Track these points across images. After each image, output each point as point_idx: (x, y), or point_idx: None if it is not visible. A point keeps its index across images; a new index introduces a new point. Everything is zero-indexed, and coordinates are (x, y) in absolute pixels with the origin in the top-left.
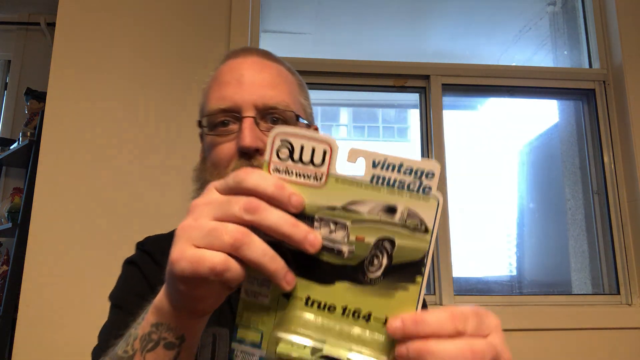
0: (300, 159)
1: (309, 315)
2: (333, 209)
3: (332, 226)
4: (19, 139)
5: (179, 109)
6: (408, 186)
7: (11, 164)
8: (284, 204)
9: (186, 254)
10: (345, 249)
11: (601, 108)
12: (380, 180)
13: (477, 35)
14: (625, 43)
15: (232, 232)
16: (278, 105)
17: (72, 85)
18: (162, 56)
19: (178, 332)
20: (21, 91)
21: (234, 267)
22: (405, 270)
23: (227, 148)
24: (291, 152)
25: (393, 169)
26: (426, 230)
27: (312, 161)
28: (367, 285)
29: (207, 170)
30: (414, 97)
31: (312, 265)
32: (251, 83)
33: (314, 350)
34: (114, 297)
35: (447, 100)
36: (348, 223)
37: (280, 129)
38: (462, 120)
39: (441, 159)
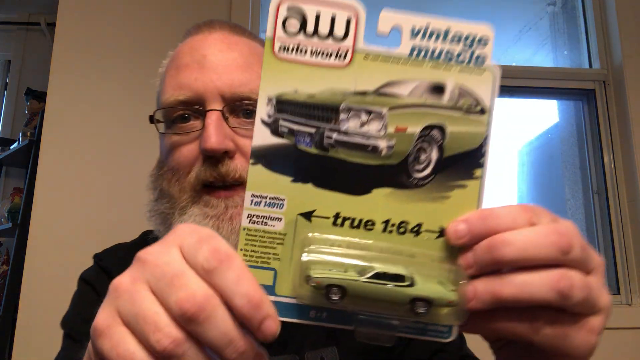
0: (316, 32)
1: (340, 238)
2: (363, 94)
3: (364, 117)
4: (19, 139)
5: None
6: (457, 57)
7: (11, 164)
8: (253, 328)
9: (113, 336)
10: (382, 144)
11: (601, 108)
12: (422, 53)
13: None
14: (625, 43)
15: (165, 335)
16: (252, 93)
17: (72, 85)
18: (162, 56)
19: None
20: (21, 91)
21: None
22: (460, 164)
23: (187, 150)
24: (303, 23)
25: (438, 38)
26: (482, 111)
27: (331, 34)
28: (414, 188)
29: (165, 177)
30: None
31: (339, 172)
32: (216, 66)
33: (363, 270)
34: (64, 324)
35: None
36: (384, 111)
37: None
38: None
39: None
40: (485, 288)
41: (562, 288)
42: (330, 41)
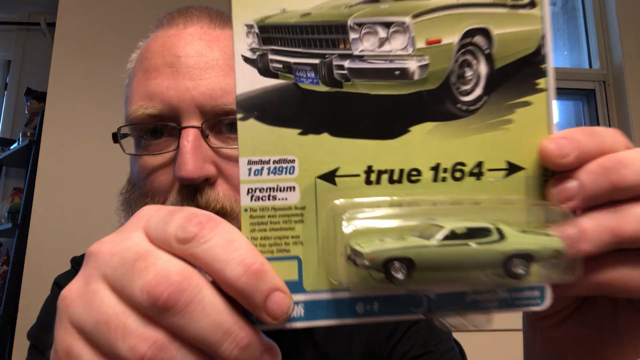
0: None
1: (380, 199)
2: (375, 1)
3: (382, 32)
4: (19, 139)
5: None
6: None
7: (11, 164)
8: (255, 307)
9: (72, 350)
10: (412, 65)
11: (601, 108)
12: None
13: None
14: (625, 43)
15: (140, 339)
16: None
17: (72, 85)
18: None
19: None
20: (21, 91)
21: None
22: (517, 75)
23: (161, 175)
24: None
25: None
26: (533, 4)
27: None
28: (464, 116)
29: (137, 204)
30: None
31: (361, 111)
32: (193, 70)
33: (428, 231)
34: (30, 333)
35: None
36: (407, 20)
37: None
38: None
39: None
40: (600, 225)
41: None
42: None
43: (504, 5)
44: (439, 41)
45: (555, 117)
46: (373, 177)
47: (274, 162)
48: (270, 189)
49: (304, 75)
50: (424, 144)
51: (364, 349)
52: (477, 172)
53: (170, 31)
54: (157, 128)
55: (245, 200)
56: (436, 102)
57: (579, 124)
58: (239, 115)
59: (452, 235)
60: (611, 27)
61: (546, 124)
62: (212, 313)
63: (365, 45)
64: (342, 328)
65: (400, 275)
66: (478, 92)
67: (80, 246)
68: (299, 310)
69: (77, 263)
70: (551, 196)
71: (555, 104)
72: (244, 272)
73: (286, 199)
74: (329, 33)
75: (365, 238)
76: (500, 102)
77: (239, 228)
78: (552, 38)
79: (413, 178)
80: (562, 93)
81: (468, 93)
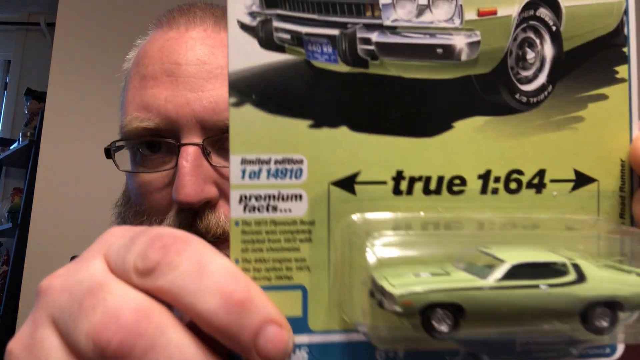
0: None
1: (411, 215)
2: None
3: None
4: (19, 139)
5: None
6: None
7: (11, 164)
8: (242, 347)
9: None
10: (460, 41)
11: None
12: None
13: None
14: None
15: None
16: None
17: (72, 85)
18: None
19: None
20: (21, 91)
21: None
22: (591, 61)
23: (158, 194)
24: None
25: None
26: None
27: None
28: (523, 110)
29: (133, 222)
30: None
31: (391, 99)
32: (194, 80)
33: (477, 266)
34: None
35: None
36: None
37: None
38: None
39: None
40: None
41: None
42: None
43: None
44: (494, 12)
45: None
46: (403, 185)
47: (276, 162)
48: (269, 196)
49: (319, 50)
50: (471, 144)
51: None
52: (538, 183)
53: (170, 33)
54: (154, 142)
55: (236, 211)
56: (489, 91)
57: None
58: (231, 100)
59: (514, 273)
60: None
61: (627, 123)
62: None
63: (400, 13)
64: None
65: (444, 327)
66: (542, 79)
67: (80, 246)
68: (301, 356)
69: None
70: (638, 218)
71: (637, 100)
72: (223, 304)
73: (290, 210)
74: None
75: (394, 270)
76: (568, 94)
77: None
78: (638, 14)
79: (455, 188)
80: None
81: (529, 81)
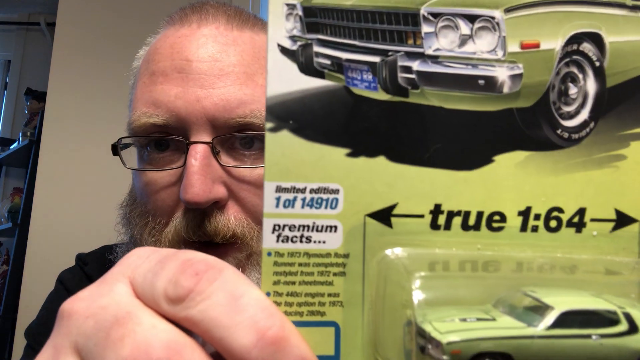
0: None
1: (449, 252)
2: None
3: (464, 26)
4: (19, 139)
5: None
6: None
7: (11, 164)
8: None
9: None
10: (502, 73)
11: None
12: None
13: None
14: None
15: None
16: (253, 116)
17: (72, 85)
18: None
19: None
20: (21, 91)
21: None
22: (634, 98)
23: (165, 194)
24: None
25: None
26: None
27: None
28: (564, 146)
29: (137, 223)
30: None
31: (431, 130)
32: (205, 77)
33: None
34: (28, 333)
35: None
36: (498, 14)
37: None
38: None
39: None
40: None
41: None
42: None
43: (622, 6)
44: (537, 45)
45: None
46: (441, 219)
47: (312, 190)
48: (303, 227)
49: (359, 77)
50: (512, 179)
51: None
52: (578, 222)
53: (181, 30)
54: (163, 140)
55: (269, 241)
56: (530, 125)
57: None
58: (268, 125)
59: (564, 320)
60: None
61: None
62: None
63: (442, 42)
64: None
65: None
66: (584, 115)
67: (80, 246)
68: None
69: (82, 260)
70: None
71: None
72: (258, 341)
73: (324, 242)
74: (395, 23)
75: (437, 313)
76: (611, 132)
77: (259, 263)
78: None
79: (495, 225)
80: None
81: (571, 116)
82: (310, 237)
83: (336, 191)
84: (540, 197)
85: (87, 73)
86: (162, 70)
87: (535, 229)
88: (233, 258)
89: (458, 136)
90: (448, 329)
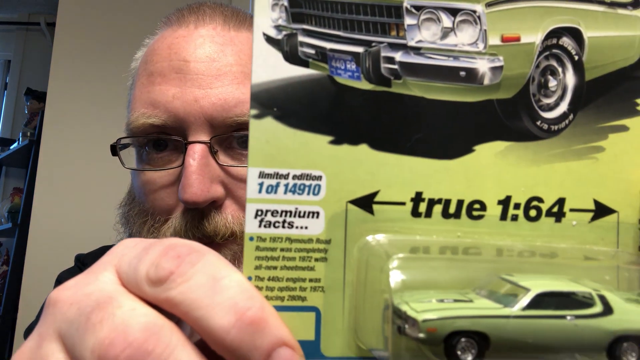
0: None
1: (430, 239)
2: None
3: (446, 19)
4: (19, 139)
5: None
6: None
7: (11, 164)
8: None
9: None
10: (482, 65)
11: None
12: None
13: None
14: None
15: None
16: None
17: (72, 85)
18: None
19: None
20: (21, 91)
21: None
22: (612, 91)
23: (164, 193)
24: None
25: None
26: (637, 3)
27: None
28: (544, 137)
29: (135, 222)
30: None
31: (413, 120)
32: (203, 77)
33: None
34: (29, 333)
35: None
36: (479, 8)
37: None
38: None
39: None
40: None
41: None
42: None
43: (600, 2)
44: (517, 38)
45: None
46: (422, 207)
47: (295, 177)
48: (286, 212)
49: (342, 67)
50: (492, 168)
51: None
52: (557, 212)
53: (179, 31)
54: (161, 140)
55: (251, 226)
56: (510, 116)
57: None
58: (252, 112)
59: (539, 302)
60: None
61: None
62: None
63: (424, 34)
64: None
65: (468, 357)
66: (563, 108)
67: (79, 246)
68: None
69: (80, 261)
70: None
71: None
72: (236, 322)
73: (306, 227)
74: (378, 15)
75: (415, 295)
76: (589, 124)
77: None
78: None
79: (475, 213)
80: None
81: (551, 108)
82: (293, 222)
83: (319, 178)
84: (520, 187)
85: (87, 73)
86: (159, 71)
87: (515, 218)
88: (229, 249)
89: (439, 126)
90: (425, 308)
